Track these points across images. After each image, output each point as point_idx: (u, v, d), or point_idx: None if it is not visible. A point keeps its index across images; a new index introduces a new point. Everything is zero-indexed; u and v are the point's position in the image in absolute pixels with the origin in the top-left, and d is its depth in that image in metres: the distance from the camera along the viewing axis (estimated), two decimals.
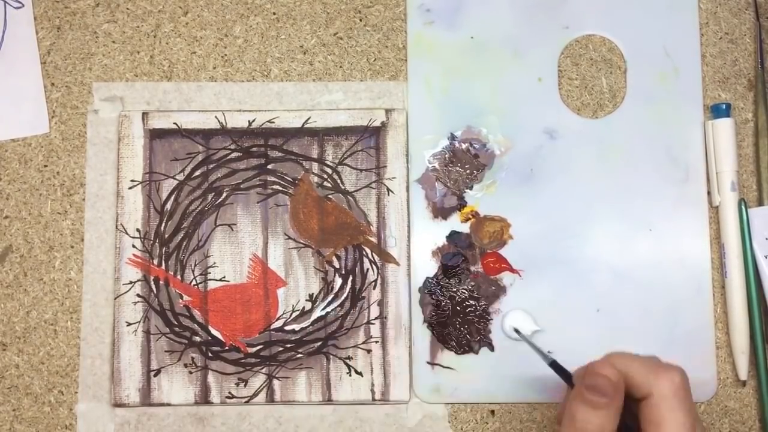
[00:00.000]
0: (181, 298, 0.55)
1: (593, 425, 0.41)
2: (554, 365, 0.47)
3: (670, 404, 0.41)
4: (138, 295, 0.55)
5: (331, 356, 0.55)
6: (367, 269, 0.55)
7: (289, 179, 0.56)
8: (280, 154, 0.56)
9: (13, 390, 0.55)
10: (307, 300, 0.55)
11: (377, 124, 0.57)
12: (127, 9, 0.58)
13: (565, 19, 0.58)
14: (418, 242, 0.56)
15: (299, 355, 0.55)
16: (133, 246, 0.56)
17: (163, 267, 0.56)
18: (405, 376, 0.54)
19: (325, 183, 0.56)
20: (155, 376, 0.54)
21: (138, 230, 0.56)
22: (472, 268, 0.55)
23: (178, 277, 0.55)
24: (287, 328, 0.55)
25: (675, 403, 0.41)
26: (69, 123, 0.57)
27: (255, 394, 0.54)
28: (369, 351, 0.55)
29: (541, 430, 0.54)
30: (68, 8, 0.58)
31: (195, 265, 0.56)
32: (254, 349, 0.55)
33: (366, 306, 0.55)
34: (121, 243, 0.56)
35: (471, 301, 0.55)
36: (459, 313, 0.55)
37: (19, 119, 0.57)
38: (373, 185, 0.56)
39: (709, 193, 0.56)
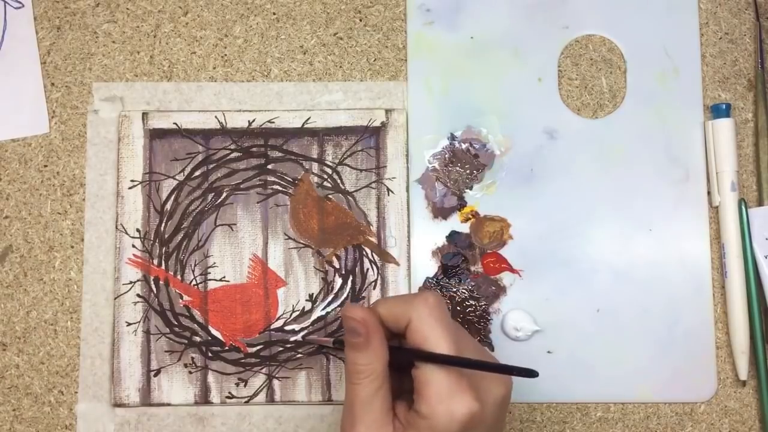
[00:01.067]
0: (181, 298, 0.55)
1: (362, 365, 0.42)
2: (337, 342, 0.49)
3: (428, 323, 0.42)
4: (138, 295, 0.55)
5: (331, 356, 0.55)
6: (367, 269, 0.55)
7: (289, 179, 0.56)
8: (280, 154, 0.56)
9: (13, 390, 0.55)
10: (307, 300, 0.55)
11: (377, 124, 0.57)
12: (127, 9, 0.58)
13: (565, 19, 0.58)
14: (418, 242, 0.56)
15: (299, 355, 0.55)
16: (133, 246, 0.56)
17: (163, 267, 0.56)
18: None
19: (325, 183, 0.56)
20: (155, 376, 0.54)
21: (138, 230, 0.56)
22: (472, 268, 0.55)
23: (178, 277, 0.55)
24: (288, 328, 0.55)
25: (432, 321, 0.42)
26: (69, 123, 0.57)
27: (255, 394, 0.54)
28: None
29: (540, 430, 0.54)
30: (68, 8, 0.58)
31: (195, 265, 0.56)
32: (254, 349, 0.55)
33: (366, 306, 0.55)
34: (121, 243, 0.56)
35: (471, 301, 0.55)
36: (459, 313, 0.55)
37: (19, 119, 0.57)
38: (373, 185, 0.56)
39: (709, 193, 0.56)
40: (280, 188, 0.56)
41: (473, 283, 0.55)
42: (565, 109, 0.57)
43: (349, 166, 0.56)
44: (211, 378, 0.54)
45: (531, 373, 0.41)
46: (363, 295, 0.55)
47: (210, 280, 0.55)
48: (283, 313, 0.55)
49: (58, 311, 0.55)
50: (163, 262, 0.56)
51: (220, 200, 0.56)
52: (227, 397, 0.54)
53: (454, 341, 0.41)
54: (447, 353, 0.41)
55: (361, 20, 0.58)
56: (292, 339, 0.55)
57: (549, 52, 0.58)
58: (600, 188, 0.56)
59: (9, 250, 0.56)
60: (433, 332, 0.41)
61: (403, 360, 0.43)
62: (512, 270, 0.55)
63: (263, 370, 0.55)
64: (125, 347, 0.55)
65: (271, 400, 0.54)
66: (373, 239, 0.56)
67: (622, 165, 0.56)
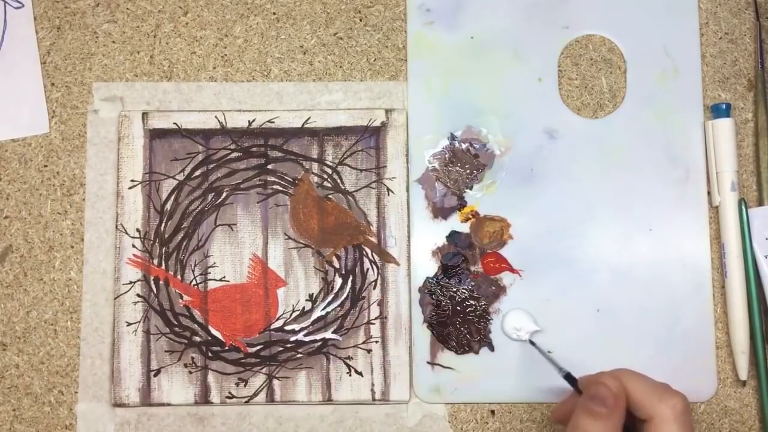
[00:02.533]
0: (181, 298, 0.55)
1: None
2: (568, 377, 0.48)
3: (670, 429, 0.42)
4: (138, 295, 0.55)
5: (331, 356, 0.55)
6: (367, 269, 0.55)
7: (289, 179, 0.56)
8: (280, 154, 0.56)
9: (13, 390, 0.55)
10: (307, 300, 0.55)
11: (377, 124, 0.57)
12: (127, 9, 0.58)
13: (565, 19, 0.58)
14: (418, 242, 0.56)
15: (299, 355, 0.55)
16: (133, 246, 0.56)
17: (163, 267, 0.56)
18: (405, 376, 0.54)
19: (325, 183, 0.56)
20: (155, 376, 0.54)
21: (138, 230, 0.56)
22: (472, 268, 0.55)
23: (178, 277, 0.55)
24: (288, 328, 0.55)
25: (674, 429, 0.42)
26: (69, 123, 0.57)
27: (255, 394, 0.54)
28: (369, 351, 0.55)
29: (541, 430, 0.54)
30: (68, 8, 0.58)
31: (195, 265, 0.56)
32: (254, 349, 0.55)
33: (366, 306, 0.55)
34: (121, 243, 0.56)
35: (471, 301, 0.55)
36: (459, 313, 0.55)
37: (19, 119, 0.57)
38: (373, 185, 0.56)
39: (709, 193, 0.56)
40: (280, 188, 0.56)
41: (473, 283, 0.55)
42: (565, 109, 0.57)
43: (349, 166, 0.56)
44: (211, 378, 0.54)
45: None
46: (363, 294, 0.55)
47: (210, 280, 0.55)
48: (283, 313, 0.55)
49: (58, 311, 0.55)
50: (163, 262, 0.56)
51: (220, 200, 0.56)
52: (227, 397, 0.54)
53: None
54: None
55: (361, 20, 0.58)
56: None
57: (549, 52, 0.58)
58: (600, 188, 0.56)
59: (9, 250, 0.56)
60: None
61: None
62: (512, 270, 0.55)
63: (263, 370, 0.55)
64: (125, 347, 0.55)
65: (271, 400, 0.54)
66: (373, 239, 0.56)
67: (622, 165, 0.56)
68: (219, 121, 0.57)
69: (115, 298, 0.55)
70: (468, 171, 0.56)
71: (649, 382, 0.44)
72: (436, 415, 0.54)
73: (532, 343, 0.54)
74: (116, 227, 0.56)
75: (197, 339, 0.55)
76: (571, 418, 0.44)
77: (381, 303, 0.55)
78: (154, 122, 0.57)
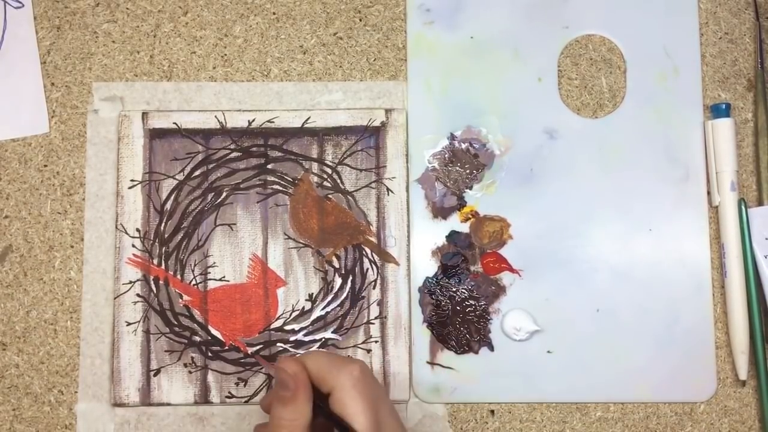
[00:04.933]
0: (181, 297, 0.55)
1: (285, 420, 0.43)
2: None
3: (349, 396, 0.43)
4: (138, 295, 0.55)
5: None
6: (367, 269, 0.55)
7: (289, 179, 0.56)
8: (280, 154, 0.57)
9: (13, 390, 0.55)
10: (306, 300, 0.55)
11: (377, 124, 0.57)
12: (127, 9, 0.58)
13: (565, 19, 0.58)
14: (418, 242, 0.56)
15: (299, 355, 0.55)
16: (133, 246, 0.56)
17: (163, 267, 0.56)
18: (405, 376, 0.54)
19: (325, 183, 0.56)
20: (155, 375, 0.54)
21: (138, 230, 0.56)
22: (472, 268, 0.55)
23: (178, 276, 0.55)
24: (287, 327, 0.55)
25: (353, 394, 0.43)
26: (69, 123, 0.57)
27: (255, 394, 0.54)
28: (369, 351, 0.55)
29: (540, 430, 0.54)
30: (68, 8, 0.58)
31: (195, 265, 0.56)
32: (254, 349, 0.55)
33: (366, 306, 0.55)
34: (121, 243, 0.56)
35: (471, 301, 0.55)
36: (459, 313, 0.55)
37: (19, 119, 0.57)
38: (373, 185, 0.56)
39: (709, 193, 0.56)
40: (280, 188, 0.56)
41: (473, 283, 0.55)
42: (565, 109, 0.57)
43: (349, 165, 0.56)
44: (210, 378, 0.54)
45: None
46: (363, 294, 0.55)
47: (210, 279, 0.55)
48: (283, 313, 0.55)
49: (58, 311, 0.55)
50: (163, 261, 0.56)
51: (220, 200, 0.56)
52: (227, 397, 0.54)
53: (373, 419, 0.43)
54: (364, 429, 0.42)
55: (361, 20, 0.58)
56: (248, 350, 0.55)
57: (549, 52, 0.58)
58: (600, 188, 0.56)
59: (9, 250, 0.56)
60: (354, 406, 0.43)
61: (324, 421, 0.44)
62: (512, 270, 0.55)
63: (263, 370, 0.55)
64: (125, 347, 0.55)
65: None
66: (373, 239, 0.56)
67: (622, 165, 0.56)
68: (219, 121, 0.57)
69: (115, 298, 0.55)
70: (468, 171, 0.56)
71: (328, 357, 0.45)
72: (435, 415, 0.54)
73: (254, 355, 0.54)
74: (116, 227, 0.56)
75: (197, 339, 0.55)
76: (271, 409, 0.45)
77: (381, 303, 0.55)
78: (154, 122, 0.57)
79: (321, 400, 0.44)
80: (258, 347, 0.54)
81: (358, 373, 0.44)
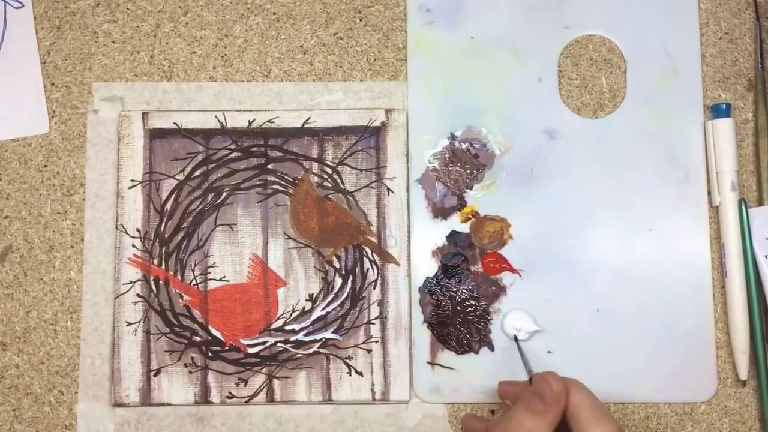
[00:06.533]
0: (181, 298, 0.55)
1: (525, 428, 0.43)
2: (531, 380, 0.49)
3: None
4: (138, 295, 0.55)
5: (331, 356, 0.55)
6: (367, 269, 0.55)
7: (289, 179, 0.56)
8: (280, 154, 0.56)
9: (13, 390, 0.55)
10: (307, 300, 0.55)
11: (377, 124, 0.57)
12: (127, 9, 0.58)
13: (565, 19, 0.58)
14: (418, 242, 0.56)
15: (299, 355, 0.55)
16: (133, 246, 0.56)
17: (163, 267, 0.56)
18: (405, 376, 0.54)
19: (325, 183, 0.56)
20: (155, 376, 0.54)
21: (138, 230, 0.56)
22: (472, 268, 0.55)
23: (178, 277, 0.55)
24: (288, 327, 0.55)
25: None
26: (69, 123, 0.57)
27: (255, 394, 0.54)
28: (369, 351, 0.55)
29: None
30: (68, 8, 0.58)
31: (195, 265, 0.56)
32: (255, 350, 0.55)
33: (366, 306, 0.55)
34: (121, 243, 0.56)
35: (471, 301, 0.55)
36: (459, 313, 0.55)
37: (19, 119, 0.57)
38: (373, 185, 0.56)
39: (709, 193, 0.56)
40: (280, 188, 0.56)
41: (473, 283, 0.55)
42: (565, 109, 0.57)
43: (349, 166, 0.56)
44: (211, 378, 0.54)
45: None
46: (363, 294, 0.55)
47: (210, 280, 0.55)
48: (283, 313, 0.55)
49: (58, 311, 0.55)
50: (163, 262, 0.56)
51: (220, 200, 0.56)
52: (227, 397, 0.54)
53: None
54: None
55: (361, 20, 0.58)
56: None
57: (549, 52, 0.58)
58: (600, 188, 0.56)
59: (9, 250, 0.56)
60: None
61: None
62: (512, 270, 0.55)
63: (263, 370, 0.55)
64: (125, 347, 0.55)
65: (271, 400, 0.54)
66: (373, 239, 0.56)
67: (622, 165, 0.56)
68: (219, 121, 0.57)
69: (115, 298, 0.55)
70: (468, 171, 0.56)
71: (593, 400, 0.45)
72: (436, 415, 0.54)
73: (516, 339, 0.54)
74: (116, 227, 0.56)
75: (197, 339, 0.55)
76: (512, 409, 0.45)
77: (381, 303, 0.55)
78: (154, 122, 0.57)
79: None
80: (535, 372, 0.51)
81: None
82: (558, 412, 0.44)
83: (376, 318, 0.55)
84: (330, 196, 0.56)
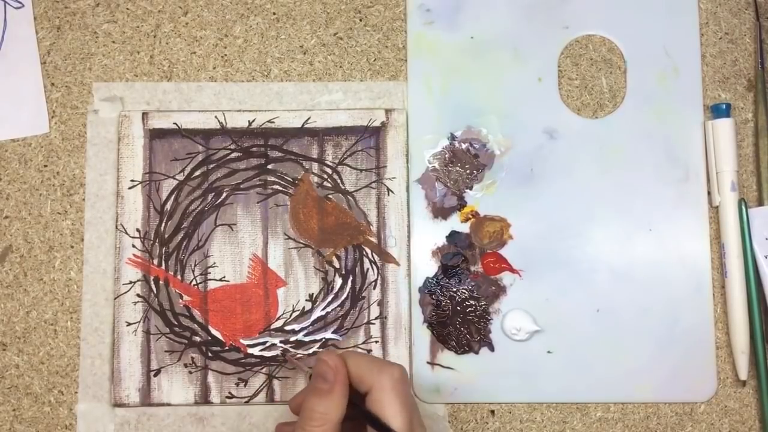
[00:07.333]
0: (181, 298, 0.55)
1: (318, 412, 0.43)
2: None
3: (389, 396, 0.43)
4: (138, 295, 0.55)
5: None
6: (367, 269, 0.55)
7: (289, 179, 0.56)
8: (280, 154, 0.56)
9: (13, 390, 0.55)
10: (307, 300, 0.55)
11: (377, 124, 0.57)
12: (127, 9, 0.58)
13: (565, 19, 0.58)
14: (418, 242, 0.56)
15: (299, 355, 0.55)
16: (133, 246, 0.56)
17: (163, 267, 0.56)
18: None
19: (325, 183, 0.56)
20: (155, 376, 0.54)
21: (138, 230, 0.56)
22: (472, 268, 0.55)
23: (178, 277, 0.55)
24: (288, 328, 0.55)
25: (392, 396, 0.43)
26: (69, 123, 0.57)
27: (255, 394, 0.54)
28: (369, 351, 0.55)
29: (540, 430, 0.54)
30: (68, 8, 0.58)
31: (195, 265, 0.56)
32: (255, 350, 0.55)
33: (366, 306, 0.55)
34: (121, 243, 0.56)
35: (471, 301, 0.55)
36: (459, 313, 0.55)
37: (19, 119, 0.57)
38: (373, 185, 0.56)
39: (709, 193, 0.56)
40: (280, 188, 0.56)
41: (473, 283, 0.55)
42: (565, 109, 0.57)
43: (349, 166, 0.56)
44: (211, 378, 0.54)
45: None
46: (363, 295, 0.55)
47: (210, 280, 0.55)
48: (283, 313, 0.55)
49: (58, 311, 0.55)
50: (163, 262, 0.56)
51: (220, 200, 0.56)
52: (227, 397, 0.54)
53: (408, 420, 0.43)
54: (401, 429, 0.42)
55: (361, 20, 0.58)
56: (273, 345, 0.55)
57: (549, 52, 0.58)
58: (600, 188, 0.56)
59: (9, 250, 0.56)
60: (391, 407, 0.43)
61: (357, 419, 0.44)
62: (512, 270, 0.55)
63: (263, 370, 0.55)
64: (125, 347, 0.55)
65: (271, 400, 0.54)
66: (373, 239, 0.56)
67: (622, 165, 0.56)
68: (219, 121, 0.57)
69: (115, 298, 0.55)
70: (468, 171, 0.56)
71: (369, 357, 0.46)
72: (436, 415, 0.54)
73: (284, 354, 0.54)
74: (116, 227, 0.56)
75: (197, 339, 0.55)
76: (305, 399, 0.45)
77: (381, 303, 0.55)
78: (154, 122, 0.57)
79: (357, 399, 0.44)
80: (298, 354, 0.54)
81: (398, 375, 0.44)
82: (343, 384, 0.44)
83: (376, 318, 0.55)
84: (330, 196, 0.56)
